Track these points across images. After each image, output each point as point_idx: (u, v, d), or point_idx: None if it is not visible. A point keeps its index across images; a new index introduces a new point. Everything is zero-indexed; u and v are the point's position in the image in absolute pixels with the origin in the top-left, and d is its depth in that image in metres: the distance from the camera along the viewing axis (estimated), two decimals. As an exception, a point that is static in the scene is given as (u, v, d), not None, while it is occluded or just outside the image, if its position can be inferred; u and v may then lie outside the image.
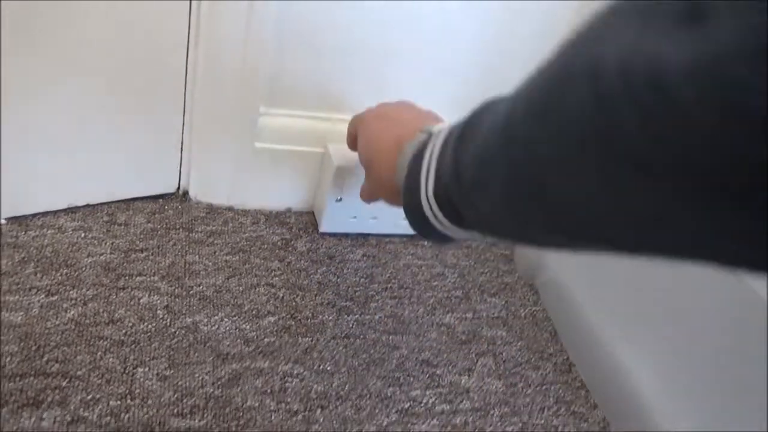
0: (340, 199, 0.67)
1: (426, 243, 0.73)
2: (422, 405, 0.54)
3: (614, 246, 0.26)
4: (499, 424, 0.54)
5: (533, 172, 0.26)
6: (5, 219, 0.58)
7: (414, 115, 0.49)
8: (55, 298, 0.52)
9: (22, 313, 0.50)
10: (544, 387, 0.59)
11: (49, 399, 0.45)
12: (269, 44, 0.60)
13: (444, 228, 0.38)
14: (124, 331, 0.51)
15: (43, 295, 0.52)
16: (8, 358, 0.46)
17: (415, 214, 0.39)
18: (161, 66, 0.58)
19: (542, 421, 0.56)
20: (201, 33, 0.57)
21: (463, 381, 0.57)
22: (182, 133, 0.63)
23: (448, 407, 0.54)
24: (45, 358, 0.47)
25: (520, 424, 0.55)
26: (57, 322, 0.50)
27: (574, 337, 0.65)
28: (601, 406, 0.59)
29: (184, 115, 0.62)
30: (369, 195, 0.55)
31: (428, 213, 0.38)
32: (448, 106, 0.70)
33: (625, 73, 0.19)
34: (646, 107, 0.19)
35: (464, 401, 0.55)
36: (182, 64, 0.59)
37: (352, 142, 0.58)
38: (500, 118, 0.29)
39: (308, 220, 0.71)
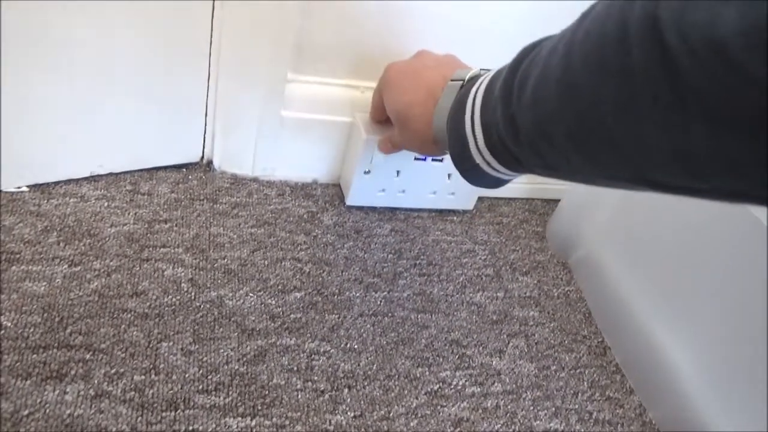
0: (368, 172, 0.64)
1: (455, 218, 0.70)
2: (452, 387, 0.52)
3: (694, 192, 0.26)
4: (531, 408, 0.53)
5: (598, 120, 0.27)
6: (27, 186, 0.56)
7: (436, 62, 0.50)
8: (78, 268, 0.51)
9: (45, 284, 0.49)
10: (578, 370, 0.57)
11: (73, 372, 0.44)
12: (297, 8, 0.57)
13: (498, 173, 0.39)
14: (148, 303, 0.50)
15: (66, 266, 0.51)
16: (31, 329, 0.45)
17: (465, 164, 0.40)
18: (186, 31, 0.55)
19: (576, 406, 0.54)
20: (226, -4, 0.54)
21: (494, 363, 0.55)
22: (206, 100, 0.61)
23: (478, 390, 0.53)
24: (68, 330, 0.46)
25: (553, 409, 0.53)
26: (80, 293, 0.49)
27: (610, 318, 0.62)
28: (638, 391, 0.57)
29: (208, 82, 0.60)
30: (396, 147, 0.56)
31: (480, 162, 0.39)
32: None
33: (685, 35, 0.20)
34: (710, 69, 0.20)
35: (495, 384, 0.54)
36: (207, 29, 0.56)
37: (376, 113, 0.57)
38: (554, 70, 0.29)
39: (335, 192, 0.69)
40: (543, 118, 0.31)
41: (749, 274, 0.49)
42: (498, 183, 0.42)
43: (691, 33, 0.20)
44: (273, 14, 0.55)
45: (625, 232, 0.63)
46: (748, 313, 0.50)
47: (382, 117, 0.58)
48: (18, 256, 0.50)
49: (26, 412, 0.41)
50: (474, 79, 0.42)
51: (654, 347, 0.57)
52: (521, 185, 0.76)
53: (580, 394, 0.55)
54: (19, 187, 0.56)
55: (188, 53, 0.57)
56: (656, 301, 0.58)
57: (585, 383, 0.56)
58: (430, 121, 0.45)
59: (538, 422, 0.52)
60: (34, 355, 0.44)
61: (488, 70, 0.41)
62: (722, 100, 0.20)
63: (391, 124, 0.55)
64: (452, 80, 0.44)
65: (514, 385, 0.54)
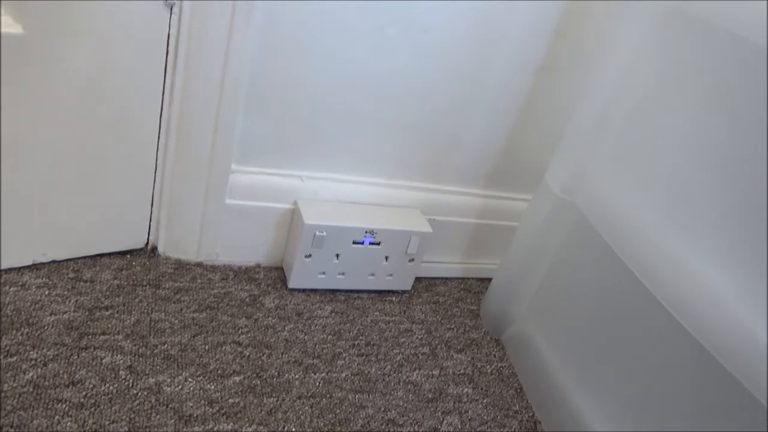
0: (309, 255, 0.68)
1: (394, 298, 0.74)
2: (387, 467, 0.54)
3: None
4: (464, 485, 0.54)
5: None
6: (-33, 276, 0.57)
7: None
8: (14, 359, 0.51)
9: (-22, 376, 0.49)
10: (509, 446, 0.60)
11: (2, 467, 0.43)
12: (241, 106, 0.61)
13: None
14: (84, 393, 0.50)
15: (1, 356, 0.51)
16: (-39, 424, 0.45)
17: None
18: (135, 123, 0.59)
19: (507, 482, 0.56)
20: (176, 92, 0.58)
21: (428, 441, 0.57)
22: (153, 189, 0.64)
23: (413, 469, 0.54)
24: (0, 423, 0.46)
25: (486, 486, 0.55)
26: (14, 385, 0.49)
27: (539, 392, 0.65)
28: (566, 465, 0.59)
29: (156, 172, 0.63)
30: None
31: None
32: (413, 162, 0.73)
33: None
34: None
35: (429, 462, 0.55)
36: (156, 121, 0.60)
37: None
38: None
39: (277, 275, 0.71)
40: None
41: (658, 344, 0.54)
42: None
43: None
44: (218, 110, 0.60)
45: (549, 307, 0.67)
46: (678, 392, 0.54)
47: None
48: (-48, 347, 0.50)
49: None
50: None
51: (581, 423, 0.60)
52: (457, 265, 0.81)
53: (511, 470, 0.57)
54: (-43, 277, 0.56)
55: (138, 145, 0.60)
56: (584, 378, 0.62)
57: (516, 458, 0.59)
58: None
59: (471, 500, 0.53)
60: (-38, 451, 0.44)
61: None
62: None
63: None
64: None
65: (447, 463, 0.56)
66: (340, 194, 0.70)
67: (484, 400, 0.64)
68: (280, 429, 0.53)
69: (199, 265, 0.69)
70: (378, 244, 0.70)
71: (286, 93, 0.63)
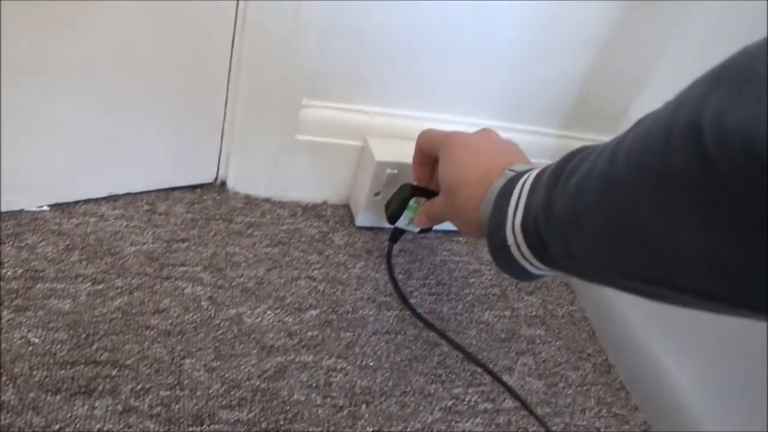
0: (378, 194, 0.66)
1: (461, 239, 0.72)
2: (465, 403, 0.54)
3: (704, 296, 0.26)
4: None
5: (633, 217, 0.28)
6: (48, 206, 0.58)
7: (501, 148, 0.50)
8: (101, 286, 0.52)
9: (69, 301, 0.50)
10: (584, 388, 0.59)
11: (101, 388, 0.45)
12: (314, 37, 0.59)
13: (524, 260, 0.40)
14: (170, 321, 0.51)
15: (89, 283, 0.52)
16: (58, 346, 0.46)
17: (496, 242, 0.41)
18: (206, 56, 0.57)
19: (584, 422, 0.56)
20: (247, 24, 0.56)
21: (504, 380, 0.57)
22: (223, 123, 0.63)
23: (490, 406, 0.54)
24: (94, 347, 0.47)
25: (563, 425, 0.55)
26: (104, 311, 0.50)
27: (613, 337, 0.64)
28: (642, 409, 0.59)
29: (226, 105, 0.62)
30: (436, 218, 0.55)
31: (511, 243, 0.39)
32: (489, 100, 0.70)
33: (723, 141, 0.21)
34: (746, 175, 0.20)
35: (506, 400, 0.55)
36: (227, 54, 0.58)
37: (422, 158, 0.57)
38: (600, 165, 0.31)
39: (344, 213, 0.71)
40: (580, 207, 0.32)
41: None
42: (522, 273, 0.41)
43: (729, 138, 0.20)
44: (290, 43, 0.58)
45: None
46: (747, 330, 0.52)
47: (420, 161, 0.59)
48: (42, 274, 0.51)
49: (57, 427, 0.41)
50: (528, 171, 0.43)
51: (656, 365, 0.59)
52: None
53: (587, 411, 0.57)
54: (40, 207, 0.57)
55: (208, 78, 0.59)
56: (657, 321, 0.60)
57: (592, 400, 0.58)
58: (478, 203, 0.45)
59: (548, 438, 0.53)
60: (62, 371, 0.45)
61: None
62: (758, 207, 0.20)
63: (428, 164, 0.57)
64: (509, 170, 0.45)
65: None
66: (412, 131, 0.68)
67: (557, 343, 0.63)
68: (358, 363, 0.54)
69: (267, 200, 0.68)
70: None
71: (360, 25, 0.60)
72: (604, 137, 0.75)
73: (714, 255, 0.24)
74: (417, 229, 0.64)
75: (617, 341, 0.64)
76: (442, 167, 0.51)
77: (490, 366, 0.58)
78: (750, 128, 0.20)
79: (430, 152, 0.55)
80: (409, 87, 0.66)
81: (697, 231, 0.24)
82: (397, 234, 0.65)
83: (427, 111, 0.69)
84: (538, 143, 0.74)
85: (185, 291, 0.54)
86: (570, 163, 0.35)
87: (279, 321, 0.55)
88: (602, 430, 0.56)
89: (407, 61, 0.64)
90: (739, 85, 0.21)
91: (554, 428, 0.54)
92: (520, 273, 0.42)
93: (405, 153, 0.66)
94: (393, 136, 0.68)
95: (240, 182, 0.67)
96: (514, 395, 0.55)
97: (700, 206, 0.23)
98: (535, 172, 0.41)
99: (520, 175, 0.42)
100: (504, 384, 0.55)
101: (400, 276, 0.64)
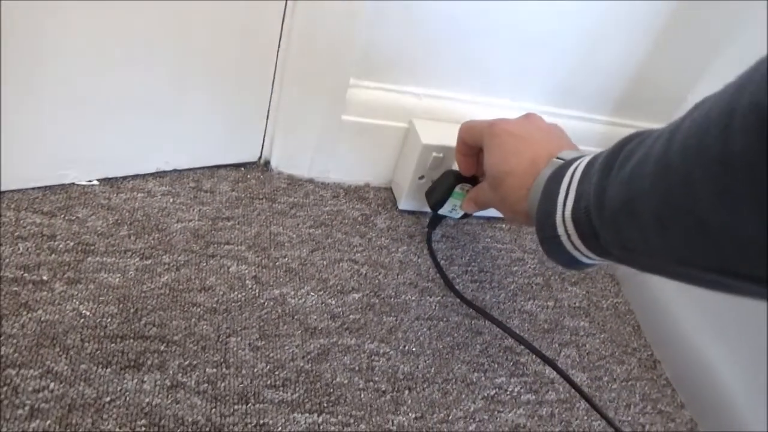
0: (422, 177, 0.65)
1: (504, 226, 0.71)
2: (508, 393, 0.53)
3: (754, 278, 0.26)
4: (585, 417, 0.53)
5: (690, 203, 0.27)
6: (98, 180, 0.58)
7: (546, 135, 0.49)
8: (149, 261, 0.52)
9: (119, 275, 0.50)
10: (629, 383, 0.58)
11: (149, 362, 0.45)
12: (364, 16, 0.58)
13: (575, 250, 0.39)
14: (215, 299, 0.52)
15: (137, 258, 0.52)
16: (108, 319, 0.47)
17: (545, 231, 0.40)
18: (255, 34, 0.57)
19: (629, 418, 0.54)
20: (298, 3, 0.55)
21: (547, 371, 0.56)
22: (270, 102, 0.63)
23: (533, 397, 0.53)
24: (143, 321, 0.48)
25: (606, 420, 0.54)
26: (152, 286, 0.51)
27: (659, 332, 0.63)
28: (689, 407, 0.57)
29: (273, 85, 0.61)
30: (484, 205, 0.54)
31: (561, 233, 0.39)
32: (539, 84, 0.68)
33: None
34: None
35: (550, 392, 0.54)
36: (277, 32, 0.57)
37: (465, 149, 0.56)
38: (656, 150, 0.30)
39: (386, 196, 0.70)
40: (634, 194, 0.31)
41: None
42: (571, 262, 0.40)
43: None
44: (340, 23, 0.57)
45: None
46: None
47: (462, 152, 0.57)
48: (93, 247, 0.52)
49: (108, 399, 0.42)
50: (577, 158, 0.41)
51: (703, 361, 0.58)
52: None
53: (632, 407, 0.56)
54: (90, 181, 0.58)
55: (256, 57, 0.59)
56: (705, 316, 0.58)
57: (636, 396, 0.57)
58: (525, 193, 0.44)
59: (591, 432, 0.52)
60: (113, 344, 0.45)
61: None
62: None
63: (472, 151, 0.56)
64: (557, 158, 0.44)
65: (567, 394, 0.55)
66: (459, 115, 0.67)
67: (601, 335, 0.62)
68: (401, 348, 0.53)
69: (310, 181, 0.68)
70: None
71: (413, 5, 0.59)
72: (656, 125, 0.73)
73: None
74: (458, 215, 0.63)
75: (663, 336, 0.62)
76: (487, 157, 0.50)
77: (534, 356, 0.57)
78: None
79: (474, 143, 0.54)
80: (460, 69, 0.64)
81: (761, 220, 0.23)
82: (436, 220, 0.64)
83: (475, 94, 0.67)
84: (587, 129, 0.72)
85: (230, 269, 0.54)
86: (624, 149, 0.34)
87: (322, 303, 0.55)
88: (647, 427, 0.54)
89: (460, 43, 0.62)
90: None
91: (597, 423, 0.53)
92: (569, 262, 0.41)
93: (451, 136, 0.65)
94: (439, 119, 0.66)
95: (284, 162, 0.67)
96: (568, 381, 0.53)
97: (763, 192, 0.22)
98: (585, 160, 0.39)
99: (569, 162, 0.41)
100: (558, 370, 0.54)
101: (442, 262, 0.63)
